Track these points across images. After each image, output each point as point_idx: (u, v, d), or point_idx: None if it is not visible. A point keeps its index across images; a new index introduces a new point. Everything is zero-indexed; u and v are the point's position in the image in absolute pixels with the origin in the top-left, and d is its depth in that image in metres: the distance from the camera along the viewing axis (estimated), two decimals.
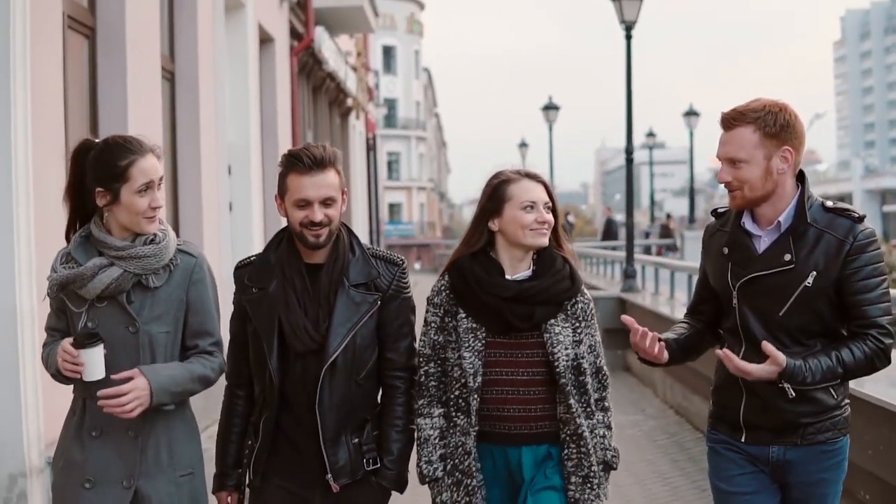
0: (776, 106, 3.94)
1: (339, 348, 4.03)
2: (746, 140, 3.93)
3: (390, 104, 71.07)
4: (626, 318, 4.11)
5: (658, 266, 16.91)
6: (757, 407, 4.02)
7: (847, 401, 4.08)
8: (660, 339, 4.09)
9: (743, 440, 4.07)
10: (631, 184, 19.17)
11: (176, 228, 10.94)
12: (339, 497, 4.08)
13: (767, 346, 3.85)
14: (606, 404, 4.25)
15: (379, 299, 4.12)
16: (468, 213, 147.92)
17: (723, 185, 4.04)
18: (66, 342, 3.93)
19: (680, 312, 12.69)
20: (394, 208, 78.90)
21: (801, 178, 4.02)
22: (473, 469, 4.08)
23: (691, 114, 39.99)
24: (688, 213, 43.49)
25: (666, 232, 38.02)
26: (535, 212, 4.12)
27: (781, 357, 3.83)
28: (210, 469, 4.25)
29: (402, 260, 4.25)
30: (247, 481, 4.19)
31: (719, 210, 4.28)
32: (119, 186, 3.98)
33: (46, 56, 7.23)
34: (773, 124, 3.91)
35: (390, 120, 72.75)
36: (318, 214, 4.01)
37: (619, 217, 37.99)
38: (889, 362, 3.97)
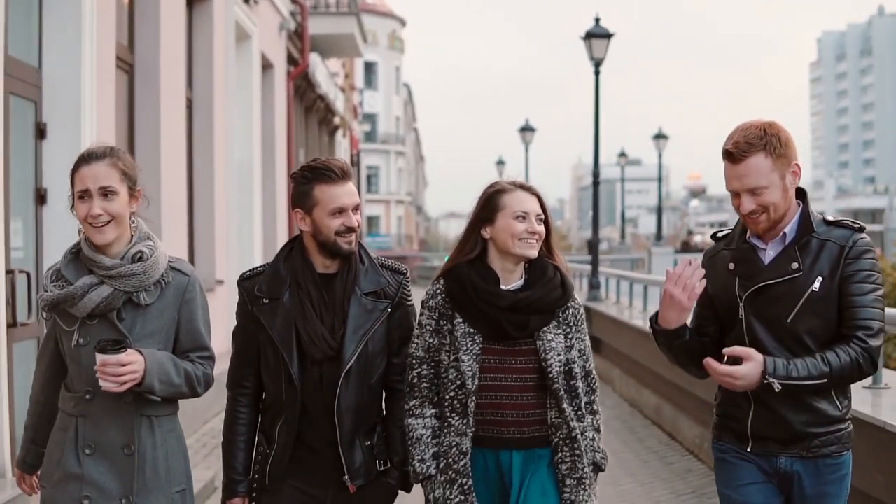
0: (772, 127, 3.96)
1: (354, 354, 4.10)
2: (763, 167, 3.91)
3: (371, 119, 71.94)
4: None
5: (620, 278, 18.48)
6: (765, 418, 4.00)
7: (850, 416, 4.08)
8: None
9: (749, 450, 4.06)
10: (597, 205, 20.93)
11: (191, 236, 12.43)
12: (352, 497, 4.15)
13: (735, 349, 3.88)
14: (595, 407, 4.24)
15: (389, 307, 4.21)
16: (444, 227, 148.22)
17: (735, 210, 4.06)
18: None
19: (638, 319, 14.33)
20: (372, 221, 79.47)
21: (800, 193, 4.06)
22: (468, 469, 4.08)
23: (660, 136, 41.28)
24: (655, 230, 45.20)
25: (686, 247, 41.71)
26: (527, 222, 4.13)
27: (751, 351, 3.86)
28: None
29: (405, 269, 4.36)
30: (257, 486, 4.22)
31: (719, 234, 4.29)
32: (72, 191, 4.01)
33: (104, 89, 8.66)
34: (778, 145, 3.91)
35: (370, 135, 73.12)
36: (354, 220, 4.15)
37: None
38: (875, 368, 3.97)
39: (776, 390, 3.82)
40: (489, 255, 4.22)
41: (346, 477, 4.11)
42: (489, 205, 4.20)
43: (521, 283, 4.20)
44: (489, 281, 4.15)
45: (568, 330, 4.19)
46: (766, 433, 4.01)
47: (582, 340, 4.24)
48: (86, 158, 3.97)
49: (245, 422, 4.26)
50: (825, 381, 3.84)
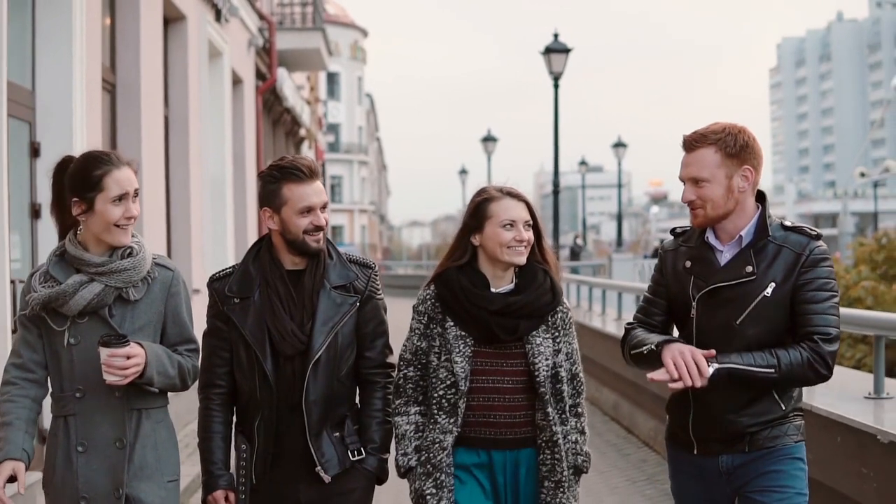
0: (735, 128, 4.01)
1: (322, 347, 4.15)
2: (708, 160, 3.97)
3: (334, 129, 71.89)
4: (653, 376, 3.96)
5: (579, 283, 19.15)
6: (705, 419, 4.05)
7: (798, 412, 4.10)
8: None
9: (695, 452, 4.09)
10: (557, 213, 21.68)
11: (169, 245, 12.92)
12: (326, 487, 4.19)
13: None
14: (580, 410, 4.31)
15: (358, 301, 4.25)
16: (407, 235, 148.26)
17: (686, 205, 4.10)
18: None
19: (598, 321, 14.96)
20: (336, 230, 79.12)
21: (760, 197, 4.10)
22: (444, 464, 4.16)
23: (619, 145, 42.20)
24: (616, 237, 46.06)
25: (657, 254, 41.63)
26: (514, 230, 4.17)
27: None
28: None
29: (374, 263, 4.39)
30: (243, 482, 4.23)
31: (678, 230, 4.31)
32: (94, 196, 4.01)
33: (92, 110, 9.21)
34: (733, 145, 3.96)
35: (334, 145, 72.82)
36: (323, 219, 4.18)
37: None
38: (830, 372, 3.95)
39: (717, 372, 3.82)
40: (479, 261, 4.28)
41: (319, 468, 4.17)
42: (477, 213, 4.26)
43: (511, 286, 4.26)
44: (478, 284, 4.22)
45: (556, 334, 4.24)
46: (707, 434, 4.07)
47: (570, 344, 4.29)
48: (115, 163, 4.05)
49: (221, 420, 4.30)
50: (772, 371, 3.87)
